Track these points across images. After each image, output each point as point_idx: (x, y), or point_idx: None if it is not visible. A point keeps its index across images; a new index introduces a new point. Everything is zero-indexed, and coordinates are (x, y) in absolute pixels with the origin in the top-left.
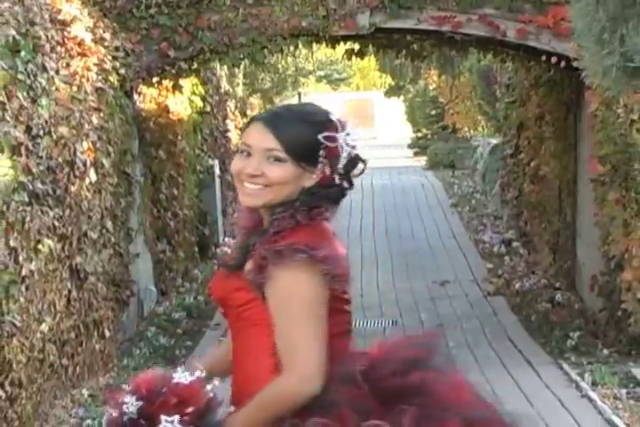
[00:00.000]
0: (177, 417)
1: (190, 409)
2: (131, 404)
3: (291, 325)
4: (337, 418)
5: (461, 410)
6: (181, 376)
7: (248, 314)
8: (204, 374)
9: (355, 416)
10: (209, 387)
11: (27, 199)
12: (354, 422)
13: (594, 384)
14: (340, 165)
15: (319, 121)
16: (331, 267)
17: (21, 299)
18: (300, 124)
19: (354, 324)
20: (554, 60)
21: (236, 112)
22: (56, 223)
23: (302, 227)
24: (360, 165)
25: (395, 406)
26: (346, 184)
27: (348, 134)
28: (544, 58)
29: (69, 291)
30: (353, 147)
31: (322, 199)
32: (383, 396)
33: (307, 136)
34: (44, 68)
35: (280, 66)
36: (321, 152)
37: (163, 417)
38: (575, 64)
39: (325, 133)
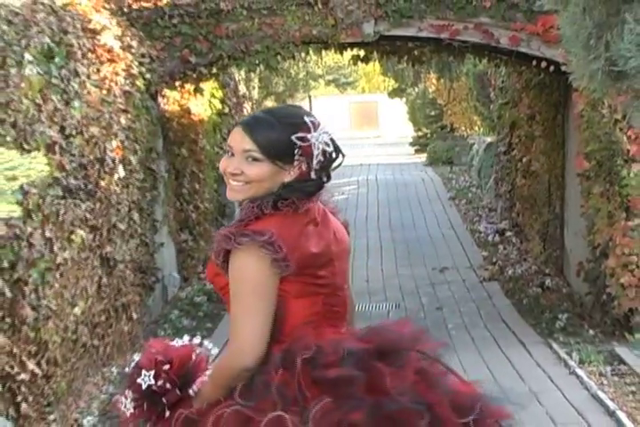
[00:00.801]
0: (153, 372)
1: (167, 367)
2: (133, 361)
3: (236, 302)
4: (260, 405)
5: (376, 401)
6: (178, 341)
7: (228, 297)
8: (198, 342)
9: (279, 403)
10: (197, 352)
11: (61, 193)
12: (273, 409)
13: (581, 362)
14: (315, 162)
15: (292, 123)
16: (271, 252)
17: (56, 285)
18: (274, 128)
19: (359, 307)
20: (543, 64)
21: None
22: (88, 215)
23: (268, 216)
24: (338, 160)
25: (319, 396)
26: (324, 178)
27: (324, 133)
28: (534, 63)
29: (100, 277)
30: (327, 144)
31: (296, 192)
32: (314, 385)
33: (280, 138)
34: (77, 73)
35: (292, 71)
36: (296, 151)
37: (143, 371)
38: (563, 68)
39: (298, 134)
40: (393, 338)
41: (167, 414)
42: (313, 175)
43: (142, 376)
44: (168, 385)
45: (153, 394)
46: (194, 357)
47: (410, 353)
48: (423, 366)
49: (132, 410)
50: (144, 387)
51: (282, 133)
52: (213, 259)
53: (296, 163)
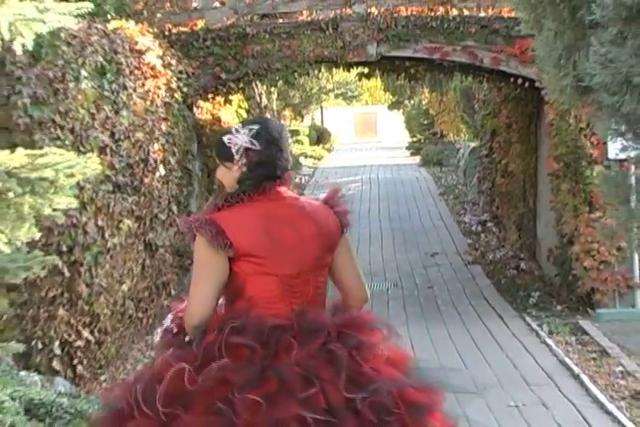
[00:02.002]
0: (171, 317)
1: (180, 315)
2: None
3: (192, 273)
4: (186, 356)
5: (266, 366)
6: None
7: None
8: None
9: (200, 358)
10: None
11: (111, 189)
12: (193, 361)
13: (550, 333)
14: (240, 158)
15: (227, 129)
16: (202, 234)
17: (107, 266)
18: (220, 134)
19: None
20: (520, 81)
21: None
22: (133, 207)
23: (225, 207)
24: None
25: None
26: (255, 176)
27: (245, 133)
28: (512, 79)
29: (144, 260)
30: (250, 143)
31: (241, 187)
32: (228, 348)
33: (220, 141)
34: (125, 87)
35: (307, 85)
36: (233, 151)
37: (169, 314)
38: (537, 84)
39: (226, 136)
40: (311, 320)
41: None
42: (247, 171)
43: (166, 318)
44: (175, 329)
45: (169, 333)
46: None
47: (320, 335)
48: (331, 348)
49: (157, 341)
50: (164, 327)
51: (220, 137)
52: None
53: (235, 161)
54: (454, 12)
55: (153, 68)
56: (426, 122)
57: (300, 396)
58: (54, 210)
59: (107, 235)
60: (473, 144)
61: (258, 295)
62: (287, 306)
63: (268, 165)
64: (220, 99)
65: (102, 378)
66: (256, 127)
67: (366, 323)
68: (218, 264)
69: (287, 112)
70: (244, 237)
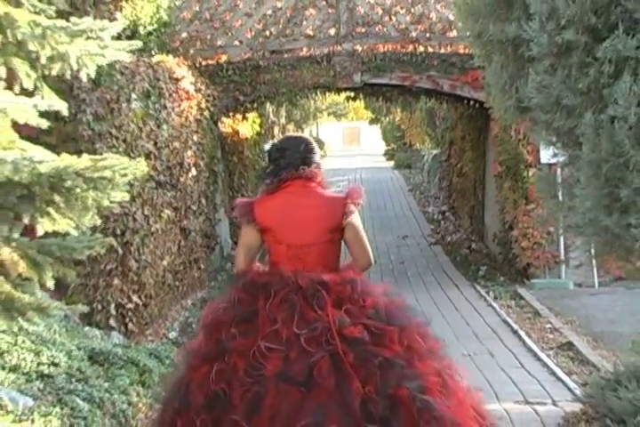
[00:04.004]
0: None
1: None
2: None
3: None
4: (223, 298)
5: (248, 308)
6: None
7: None
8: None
9: (224, 300)
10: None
11: (154, 186)
12: (224, 302)
13: (495, 298)
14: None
15: None
16: (239, 218)
17: (151, 246)
18: None
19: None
20: (472, 102)
21: (280, 134)
22: (172, 200)
23: (264, 194)
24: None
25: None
26: (273, 175)
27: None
28: (466, 101)
29: (180, 241)
30: (266, 153)
31: (265, 180)
32: (238, 299)
33: None
34: (165, 107)
35: (306, 106)
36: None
37: None
38: (485, 105)
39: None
40: (283, 278)
41: None
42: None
43: None
44: None
45: None
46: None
47: (287, 288)
48: (291, 297)
49: None
50: None
51: None
52: None
53: None
54: (421, 48)
55: (187, 92)
56: (398, 134)
57: (264, 331)
58: (111, 202)
59: (151, 221)
60: (435, 151)
61: (275, 258)
62: (292, 267)
63: (270, 164)
64: (238, 116)
65: (147, 333)
66: (271, 141)
67: (335, 280)
68: (250, 234)
69: (291, 126)
70: (266, 216)
